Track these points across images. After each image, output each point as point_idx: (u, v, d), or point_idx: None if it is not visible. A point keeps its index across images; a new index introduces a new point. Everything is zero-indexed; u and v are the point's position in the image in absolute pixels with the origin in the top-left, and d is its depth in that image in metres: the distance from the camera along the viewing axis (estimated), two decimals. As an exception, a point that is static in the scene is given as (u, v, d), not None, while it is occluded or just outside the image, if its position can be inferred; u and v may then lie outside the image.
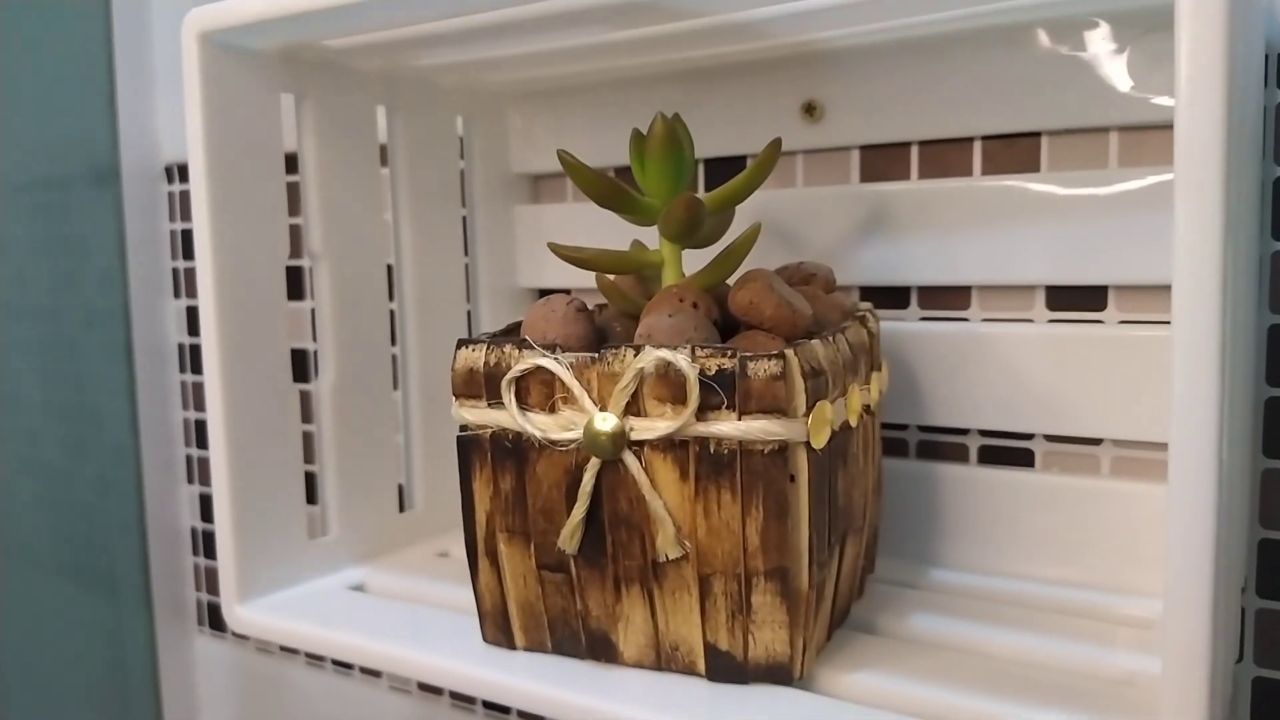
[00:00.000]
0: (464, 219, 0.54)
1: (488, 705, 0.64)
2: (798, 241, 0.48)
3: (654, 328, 0.34)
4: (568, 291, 0.40)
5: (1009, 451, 0.46)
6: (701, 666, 0.35)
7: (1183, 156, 0.23)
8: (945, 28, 0.43)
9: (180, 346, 0.77)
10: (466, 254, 0.54)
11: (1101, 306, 0.43)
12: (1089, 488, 0.43)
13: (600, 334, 0.37)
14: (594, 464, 0.34)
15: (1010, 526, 0.44)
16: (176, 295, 0.77)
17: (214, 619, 0.79)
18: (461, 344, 0.36)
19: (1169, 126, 0.29)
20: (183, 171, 0.75)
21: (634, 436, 0.33)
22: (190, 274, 0.75)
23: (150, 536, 0.79)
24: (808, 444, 0.32)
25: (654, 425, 0.33)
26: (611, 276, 0.39)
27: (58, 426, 0.83)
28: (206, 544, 0.79)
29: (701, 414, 0.32)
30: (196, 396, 0.77)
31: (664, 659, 0.35)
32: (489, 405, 0.35)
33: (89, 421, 0.81)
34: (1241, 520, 0.38)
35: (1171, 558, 0.24)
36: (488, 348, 0.35)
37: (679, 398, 0.32)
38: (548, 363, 0.34)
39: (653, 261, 0.38)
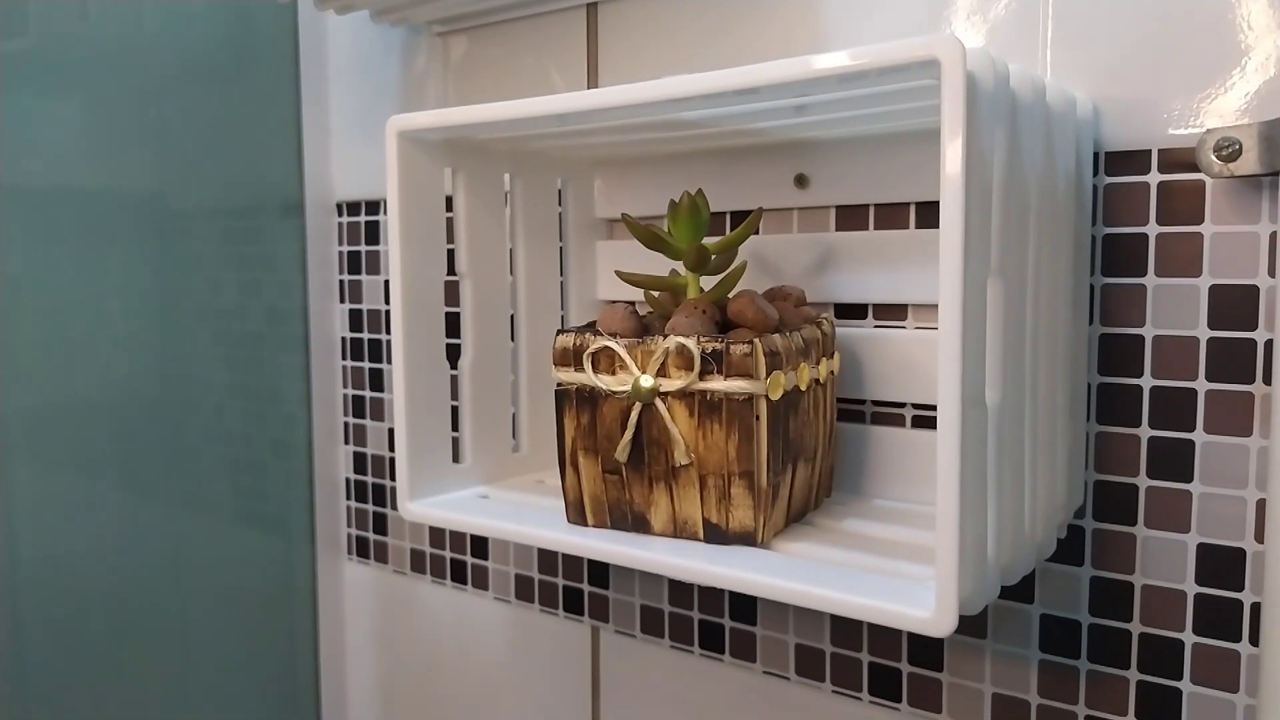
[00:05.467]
0: (560, 250, 0.76)
1: (567, 608, 0.85)
2: (792, 271, 0.69)
3: (676, 324, 0.55)
4: (631, 303, 0.61)
5: (933, 419, 0.66)
6: (701, 534, 0.56)
7: (943, 236, 0.43)
8: (891, 128, 0.64)
9: (343, 339, 1.01)
10: (562, 274, 0.76)
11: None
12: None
13: (645, 327, 0.59)
14: (637, 407, 0.55)
15: (931, 470, 0.64)
16: (341, 300, 1.01)
17: (361, 549, 1.02)
18: (559, 332, 0.58)
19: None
20: (351, 207, 0.99)
21: (662, 389, 0.54)
22: (354, 285, 1.00)
23: (316, 486, 1.03)
24: (767, 397, 0.53)
25: (674, 383, 0.54)
26: (655, 293, 0.61)
27: (240, 402, 1.08)
28: (358, 491, 1.02)
29: (702, 376, 0.54)
30: (355, 378, 1.01)
31: (678, 529, 0.57)
32: (575, 370, 0.57)
33: (267, 398, 1.06)
34: (1070, 465, 0.58)
35: (940, 477, 0.44)
36: (575, 334, 0.57)
37: (689, 366, 0.54)
38: (611, 344, 0.55)
39: (680, 284, 0.59)
